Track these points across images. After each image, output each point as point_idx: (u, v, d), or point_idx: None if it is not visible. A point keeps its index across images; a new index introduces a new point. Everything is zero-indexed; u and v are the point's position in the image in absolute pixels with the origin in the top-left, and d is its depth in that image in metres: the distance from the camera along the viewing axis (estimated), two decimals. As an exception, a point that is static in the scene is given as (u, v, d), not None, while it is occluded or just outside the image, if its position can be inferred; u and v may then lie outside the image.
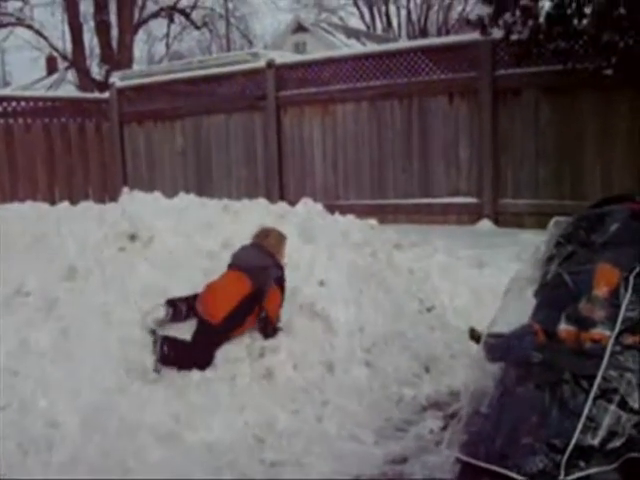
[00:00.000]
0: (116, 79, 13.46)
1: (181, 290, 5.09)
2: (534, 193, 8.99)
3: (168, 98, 12.10)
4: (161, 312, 4.72)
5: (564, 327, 2.89)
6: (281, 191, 10.75)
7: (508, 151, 9.15)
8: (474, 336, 5.51)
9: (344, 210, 6.84)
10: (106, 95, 12.84)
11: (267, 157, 11.01)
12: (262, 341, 4.71)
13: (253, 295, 4.71)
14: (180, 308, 4.79)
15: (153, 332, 4.52)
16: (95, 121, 12.55)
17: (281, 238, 5.09)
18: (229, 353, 4.59)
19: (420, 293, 5.75)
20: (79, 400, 4.11)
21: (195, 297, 4.81)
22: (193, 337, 4.65)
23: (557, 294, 3.04)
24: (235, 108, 11.27)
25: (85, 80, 23.27)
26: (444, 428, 4.21)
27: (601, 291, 2.90)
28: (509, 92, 9.13)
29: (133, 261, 5.35)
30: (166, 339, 4.52)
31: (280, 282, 4.83)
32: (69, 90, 21.07)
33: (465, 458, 2.70)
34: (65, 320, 4.77)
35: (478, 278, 6.46)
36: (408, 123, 9.84)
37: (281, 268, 4.92)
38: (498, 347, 2.99)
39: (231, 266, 4.93)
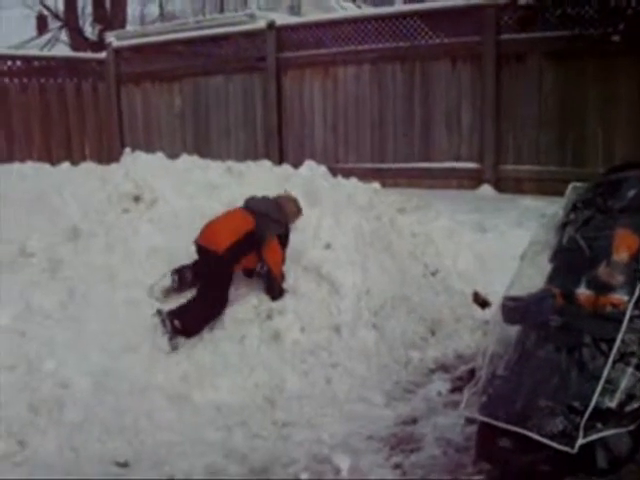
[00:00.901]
0: (112, 39, 13.28)
1: (185, 252, 5.07)
2: (535, 159, 8.94)
3: (166, 59, 11.95)
4: (167, 281, 4.69)
5: (583, 291, 2.90)
6: (280, 154, 10.66)
7: (510, 117, 9.08)
8: (478, 300, 5.55)
9: (344, 173, 6.79)
10: (102, 55, 12.68)
11: (267, 119, 10.92)
12: (269, 303, 4.71)
13: (254, 234, 4.70)
14: (186, 276, 4.76)
15: (159, 312, 4.47)
16: (91, 81, 12.38)
17: (299, 209, 5.13)
18: (237, 314, 4.59)
19: (424, 257, 5.75)
20: (88, 362, 4.12)
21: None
22: (202, 281, 4.66)
23: (575, 259, 3.04)
24: (234, 69, 11.14)
25: (78, 40, 22.91)
26: (452, 390, 4.25)
27: (620, 257, 2.91)
28: (513, 57, 9.03)
29: (137, 223, 5.33)
30: (172, 313, 4.47)
31: (283, 240, 4.85)
32: (63, 50, 20.75)
33: (485, 419, 2.72)
34: (70, 281, 4.77)
35: (480, 242, 6.47)
36: (410, 87, 9.74)
37: (286, 228, 4.94)
38: (517, 310, 2.99)
39: (241, 208, 4.94)
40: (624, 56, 8.16)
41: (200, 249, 4.70)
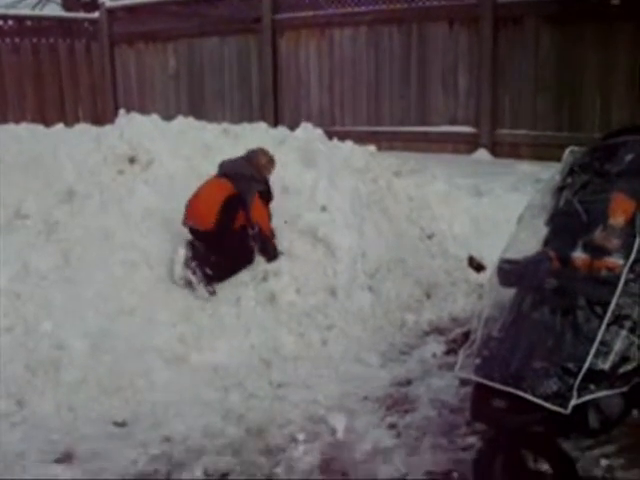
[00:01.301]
0: (105, -1, 13.07)
1: (181, 213, 5.06)
2: (532, 124, 8.87)
3: (160, 19, 11.75)
4: (181, 255, 4.67)
5: (579, 255, 2.91)
6: (276, 116, 10.57)
7: (507, 81, 8.99)
8: (473, 264, 5.58)
9: (340, 136, 6.75)
10: (95, 15, 12.49)
11: (262, 81, 10.80)
12: (265, 265, 4.73)
13: (236, 197, 4.71)
14: (197, 246, 4.73)
15: (187, 263, 4.54)
16: (85, 42, 12.20)
17: (269, 157, 5.05)
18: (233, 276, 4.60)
19: (420, 220, 5.76)
20: (84, 323, 4.14)
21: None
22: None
23: (571, 222, 3.05)
24: (230, 31, 10.99)
25: (70, -1, 22.61)
26: (446, 352, 4.29)
27: (616, 221, 2.91)
28: (510, 20, 8.91)
29: (132, 184, 5.31)
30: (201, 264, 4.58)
31: (265, 195, 4.84)
32: (55, 9, 20.42)
33: (480, 380, 2.75)
34: (66, 243, 4.76)
35: (476, 207, 6.47)
36: (407, 49, 9.63)
37: (266, 183, 4.91)
38: (513, 273, 3.00)
39: (216, 175, 4.92)
40: (623, 20, 8.06)
41: (191, 231, 4.72)
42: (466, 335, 4.34)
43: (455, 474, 3.07)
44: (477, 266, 5.45)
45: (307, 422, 3.52)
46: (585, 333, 2.65)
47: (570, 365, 2.60)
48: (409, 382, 3.94)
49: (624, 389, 2.64)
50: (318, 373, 4.00)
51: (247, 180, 4.78)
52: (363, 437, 3.38)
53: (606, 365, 2.61)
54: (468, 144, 9.20)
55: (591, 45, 8.39)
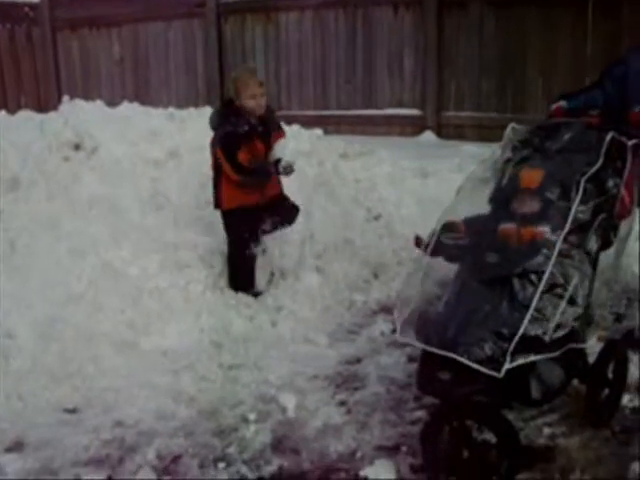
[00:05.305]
0: (45, -17, 12.77)
1: (129, 200, 5.04)
2: (476, 106, 9.02)
3: (103, 4, 11.53)
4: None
5: (506, 225, 3.04)
6: (222, 100, 10.52)
7: (452, 64, 9.11)
8: (419, 244, 5.66)
9: (286, 120, 6.74)
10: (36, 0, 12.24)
11: (208, 66, 10.72)
12: (212, 248, 4.73)
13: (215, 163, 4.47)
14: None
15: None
16: (25, 28, 11.95)
17: (243, 81, 4.41)
18: (181, 260, 4.60)
19: (367, 202, 5.84)
20: (32, 311, 4.09)
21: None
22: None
23: (507, 196, 3.16)
24: (174, 15, 10.86)
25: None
26: (394, 331, 4.35)
27: (527, 187, 3.10)
28: (454, 4, 9.01)
29: (78, 171, 5.25)
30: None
31: (256, 132, 4.43)
32: (-7, -6, 19.93)
33: (420, 345, 2.84)
34: (12, 232, 4.69)
35: (422, 188, 6.57)
36: (352, 33, 9.67)
37: (248, 122, 4.39)
38: (456, 248, 3.10)
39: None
40: (565, 5, 8.25)
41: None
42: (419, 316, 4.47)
43: (404, 448, 3.14)
44: (424, 246, 5.53)
45: (258, 402, 3.57)
46: (520, 301, 2.77)
47: (505, 330, 2.71)
48: (358, 360, 4.01)
49: (557, 353, 2.76)
50: (268, 354, 4.04)
51: (217, 136, 4.43)
52: (313, 415, 3.44)
53: (540, 331, 2.72)
54: (414, 126, 9.31)
55: (534, 29, 8.56)
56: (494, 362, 2.66)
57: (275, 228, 4.62)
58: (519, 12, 8.61)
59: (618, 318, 3.97)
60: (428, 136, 9.13)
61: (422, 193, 6.29)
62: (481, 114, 8.98)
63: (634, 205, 3.30)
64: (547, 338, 2.71)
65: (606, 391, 3.28)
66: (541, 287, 2.76)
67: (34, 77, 12.00)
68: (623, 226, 3.26)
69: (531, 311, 2.71)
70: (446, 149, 8.27)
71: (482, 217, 3.18)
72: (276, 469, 3.05)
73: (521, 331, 2.67)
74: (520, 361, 2.66)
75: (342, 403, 3.56)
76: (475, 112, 9.05)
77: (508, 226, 3.05)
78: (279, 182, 4.65)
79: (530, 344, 2.69)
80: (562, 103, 3.85)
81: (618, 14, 7.96)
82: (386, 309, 4.70)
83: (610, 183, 3.09)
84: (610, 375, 3.28)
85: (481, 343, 2.70)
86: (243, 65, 4.78)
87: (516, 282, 2.81)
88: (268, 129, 4.50)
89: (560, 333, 2.73)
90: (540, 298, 2.74)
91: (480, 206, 3.22)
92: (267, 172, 4.44)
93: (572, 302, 2.80)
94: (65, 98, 6.40)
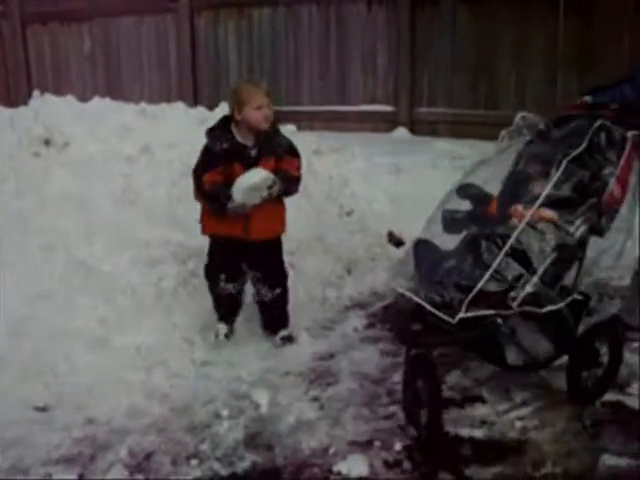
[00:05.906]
0: (15, -25, 12.61)
1: (100, 197, 5.00)
2: (449, 102, 9.08)
3: (74, -2, 11.49)
4: None
5: (517, 206, 3.21)
6: (195, 96, 10.46)
7: (425, 60, 9.16)
8: (392, 239, 5.71)
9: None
10: (5, -7, 12.08)
11: (180, 61, 10.68)
12: (186, 245, 4.71)
13: None
14: None
15: None
16: (-6, 21, 11.83)
17: (239, 97, 3.87)
18: (153, 256, 4.57)
19: (340, 198, 5.87)
20: (2, 308, 4.03)
21: None
22: None
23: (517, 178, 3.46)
24: (146, 10, 10.80)
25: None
26: (367, 326, 4.40)
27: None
28: (427, 1, 9.04)
29: (49, 167, 5.21)
30: None
31: (236, 159, 3.85)
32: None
33: (400, 290, 3.12)
34: (-20, 228, 4.64)
35: (395, 184, 6.62)
36: (326, 29, 9.68)
37: (234, 144, 3.86)
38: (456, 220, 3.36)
39: None
40: (536, 2, 8.32)
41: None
42: (386, 309, 4.51)
43: (377, 443, 3.16)
44: (396, 242, 5.58)
45: (231, 398, 3.56)
46: (484, 260, 3.02)
47: (464, 282, 2.95)
48: (331, 356, 4.02)
49: (509, 312, 2.97)
50: (241, 351, 4.04)
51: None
52: (287, 411, 3.44)
53: (497, 289, 2.96)
54: (387, 123, 9.35)
55: (506, 24, 8.64)
56: (450, 309, 2.90)
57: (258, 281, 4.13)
58: (491, 8, 8.68)
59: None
60: (401, 132, 9.18)
61: (395, 189, 6.33)
62: (454, 110, 9.04)
63: (624, 196, 3.35)
64: (501, 297, 2.94)
65: (599, 372, 3.40)
66: (504, 250, 2.98)
67: (4, 71, 11.87)
68: None
69: (491, 270, 2.94)
70: (419, 145, 8.32)
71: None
72: (249, 465, 3.05)
73: (479, 286, 2.89)
74: (473, 313, 2.88)
75: (315, 399, 3.57)
76: (448, 108, 9.11)
77: (519, 207, 3.21)
78: (277, 221, 4.15)
79: (485, 299, 2.91)
80: (587, 98, 3.94)
81: (590, 9, 8.06)
82: (359, 304, 4.73)
83: (604, 171, 3.25)
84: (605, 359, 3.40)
85: (441, 291, 2.96)
86: (245, 78, 4.53)
87: (484, 243, 3.05)
88: (261, 152, 3.91)
89: (514, 294, 2.94)
90: (502, 259, 2.97)
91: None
92: (219, 202, 3.81)
93: (530, 270, 2.99)
94: (35, 93, 6.33)
